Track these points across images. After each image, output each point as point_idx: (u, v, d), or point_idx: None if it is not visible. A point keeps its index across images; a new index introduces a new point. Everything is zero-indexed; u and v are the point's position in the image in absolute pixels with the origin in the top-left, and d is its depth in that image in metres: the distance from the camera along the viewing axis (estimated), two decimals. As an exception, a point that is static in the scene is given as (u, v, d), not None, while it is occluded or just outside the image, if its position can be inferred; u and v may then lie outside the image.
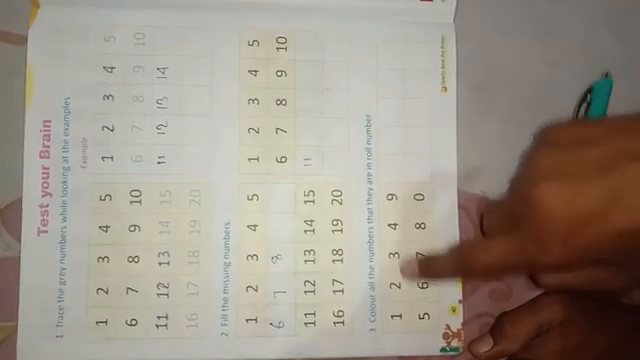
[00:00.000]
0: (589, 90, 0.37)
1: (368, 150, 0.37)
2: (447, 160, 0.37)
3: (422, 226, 0.37)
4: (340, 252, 0.36)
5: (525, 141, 0.38)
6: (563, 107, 0.38)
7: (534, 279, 0.33)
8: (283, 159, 0.36)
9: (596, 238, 0.27)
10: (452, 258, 0.34)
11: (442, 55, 0.38)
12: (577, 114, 0.37)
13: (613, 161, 0.27)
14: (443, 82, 0.38)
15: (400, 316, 0.36)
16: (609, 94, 0.36)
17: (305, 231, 0.36)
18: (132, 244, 0.35)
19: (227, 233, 0.35)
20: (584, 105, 0.37)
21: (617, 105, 0.38)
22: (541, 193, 0.28)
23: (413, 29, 0.37)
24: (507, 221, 0.31)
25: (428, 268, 0.35)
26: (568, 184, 0.28)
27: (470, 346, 0.36)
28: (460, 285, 0.36)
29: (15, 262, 0.34)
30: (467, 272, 0.33)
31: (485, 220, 0.35)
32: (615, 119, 0.29)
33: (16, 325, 0.34)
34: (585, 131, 0.29)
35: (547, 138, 0.30)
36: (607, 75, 0.37)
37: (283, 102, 0.37)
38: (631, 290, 0.31)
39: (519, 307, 0.36)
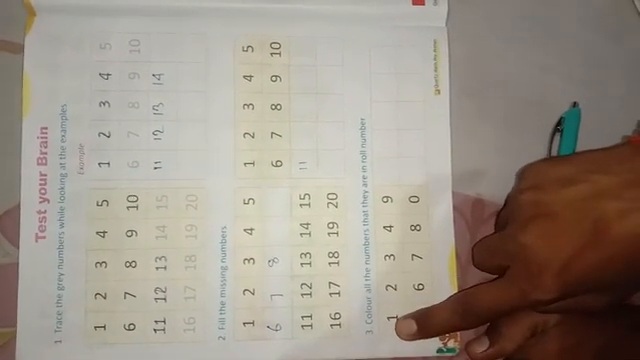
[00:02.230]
0: (560, 121, 0.38)
1: (363, 153, 0.37)
2: (441, 162, 0.37)
3: (417, 228, 0.37)
4: (336, 255, 0.36)
5: (518, 143, 0.38)
6: (555, 110, 0.38)
7: None
8: (278, 163, 0.36)
9: (584, 272, 0.30)
10: (451, 306, 0.34)
11: (435, 59, 0.38)
12: (551, 143, 0.38)
13: (591, 200, 0.30)
14: (436, 85, 0.38)
15: (396, 318, 0.36)
16: (578, 122, 0.38)
17: (301, 234, 0.36)
18: (129, 249, 0.35)
19: (223, 237, 0.36)
20: (557, 134, 0.38)
21: (616, 106, 0.39)
22: (528, 236, 0.31)
23: (406, 33, 0.38)
24: (499, 260, 0.33)
25: (426, 323, 0.35)
26: (552, 225, 0.30)
27: (466, 347, 0.36)
28: (456, 286, 0.37)
29: (13, 268, 0.34)
30: (468, 318, 0.34)
31: (476, 256, 0.36)
32: (591, 155, 0.32)
33: (15, 331, 0.34)
34: (563, 170, 0.32)
35: (528, 179, 0.33)
36: (575, 105, 0.38)
37: (278, 107, 0.37)
38: (616, 307, 0.34)
39: (515, 308, 0.37)
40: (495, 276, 0.34)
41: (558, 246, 0.30)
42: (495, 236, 0.35)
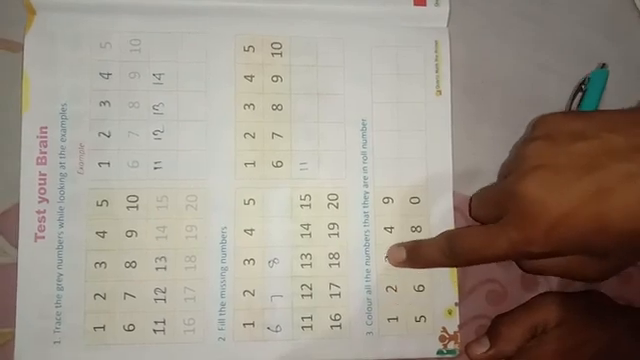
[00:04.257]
0: (584, 80, 0.37)
1: (364, 154, 0.37)
2: (442, 163, 0.37)
3: (418, 229, 0.37)
4: (337, 256, 0.36)
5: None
6: (556, 110, 0.38)
7: (517, 262, 0.35)
8: (279, 164, 0.36)
9: (577, 232, 0.28)
10: (439, 244, 0.34)
11: (436, 59, 0.38)
12: (571, 103, 0.37)
13: (600, 158, 0.28)
14: (437, 86, 0.38)
15: (397, 319, 0.36)
16: (604, 85, 0.37)
17: (302, 235, 0.36)
18: (129, 249, 0.35)
19: (224, 238, 0.36)
20: (579, 95, 0.37)
21: (616, 107, 0.38)
22: (527, 185, 0.29)
23: (407, 34, 0.38)
24: (494, 208, 0.32)
25: (415, 254, 0.35)
26: (554, 178, 0.29)
27: (467, 348, 0.36)
28: (456, 288, 0.37)
29: (12, 268, 0.34)
30: (453, 258, 0.33)
31: (473, 206, 0.36)
32: (607, 114, 0.30)
33: (14, 331, 0.34)
34: (577, 125, 0.30)
35: (540, 128, 0.31)
36: (604, 66, 0.37)
37: (279, 107, 0.37)
38: (607, 279, 0.33)
39: (515, 309, 0.36)
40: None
41: (556, 199, 0.28)
42: (493, 185, 0.35)
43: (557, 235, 0.29)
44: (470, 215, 0.36)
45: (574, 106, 0.38)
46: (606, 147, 0.28)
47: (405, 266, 0.36)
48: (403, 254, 0.35)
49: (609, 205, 0.28)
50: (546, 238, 0.29)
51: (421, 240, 0.36)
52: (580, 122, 0.30)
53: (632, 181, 0.27)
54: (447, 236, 0.34)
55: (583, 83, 0.37)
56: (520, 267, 0.36)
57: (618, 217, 0.28)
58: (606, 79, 0.37)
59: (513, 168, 0.31)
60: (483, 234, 0.32)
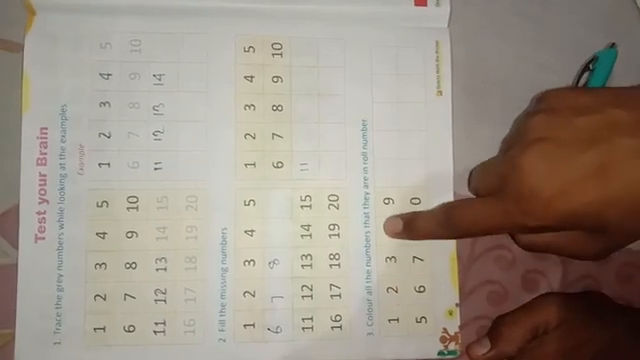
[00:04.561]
0: (593, 59, 0.37)
1: (364, 154, 0.37)
2: (443, 164, 0.37)
3: (419, 230, 0.37)
4: (337, 257, 0.36)
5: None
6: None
7: (513, 237, 0.34)
8: (279, 164, 0.36)
9: (576, 206, 0.28)
10: (436, 216, 0.34)
11: (437, 60, 0.38)
12: (578, 81, 0.37)
13: (603, 132, 0.28)
14: (438, 86, 0.38)
15: (397, 320, 0.36)
16: (612, 65, 0.36)
17: (302, 236, 0.36)
18: (129, 250, 0.35)
19: (224, 238, 0.35)
20: (586, 73, 0.37)
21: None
22: (528, 158, 0.29)
23: (407, 34, 0.38)
24: (493, 181, 0.31)
25: (412, 225, 0.35)
26: (556, 151, 0.28)
27: (468, 349, 0.36)
28: (457, 288, 0.37)
29: (12, 269, 0.34)
30: (450, 229, 0.33)
31: (472, 178, 0.36)
32: (613, 90, 0.30)
33: (14, 332, 0.34)
34: (581, 99, 0.30)
35: (544, 102, 0.31)
36: (613, 46, 0.37)
37: (279, 108, 0.37)
38: (603, 258, 0.32)
39: (516, 309, 0.36)
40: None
41: (556, 172, 0.28)
42: (496, 157, 0.34)
43: (556, 209, 0.28)
44: (469, 188, 0.36)
45: (580, 84, 0.37)
46: (610, 121, 0.28)
47: (401, 237, 0.35)
48: (400, 225, 0.35)
49: (612, 180, 0.27)
50: (545, 211, 0.28)
51: (419, 212, 0.36)
52: (585, 97, 0.30)
53: (636, 156, 0.27)
54: (444, 208, 0.34)
55: (591, 62, 0.37)
56: (516, 242, 0.34)
57: (621, 192, 0.27)
58: (615, 59, 0.36)
59: (514, 141, 0.31)
60: (480, 205, 0.32)
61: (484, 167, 0.35)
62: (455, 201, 0.34)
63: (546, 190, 0.28)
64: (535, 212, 0.29)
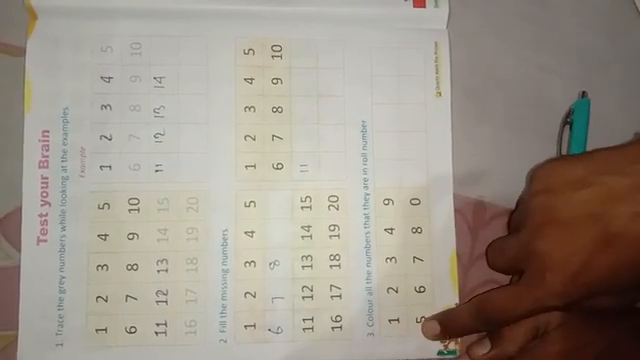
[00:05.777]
0: (569, 112, 0.38)
1: (364, 155, 0.37)
2: (443, 165, 0.37)
3: (419, 230, 0.37)
4: (337, 257, 0.36)
5: (520, 145, 0.38)
6: (557, 111, 0.38)
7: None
8: (279, 166, 0.36)
9: (596, 277, 0.30)
10: (469, 311, 0.35)
11: (436, 61, 0.38)
12: (561, 138, 0.38)
13: (605, 205, 0.30)
14: (437, 87, 0.38)
15: (398, 320, 0.36)
16: (588, 113, 0.37)
17: (302, 237, 0.36)
18: (131, 252, 0.35)
19: (225, 240, 0.36)
20: (567, 127, 0.38)
21: (616, 107, 0.39)
22: (540, 244, 0.31)
23: (407, 35, 0.38)
24: (512, 262, 0.34)
25: (448, 325, 0.36)
26: (564, 232, 0.30)
27: (468, 349, 0.36)
28: (457, 288, 0.37)
29: (15, 271, 0.34)
30: (484, 323, 0.34)
31: (490, 258, 0.37)
32: (605, 154, 0.31)
33: (16, 334, 0.34)
34: (575, 171, 0.31)
35: (539, 181, 0.32)
36: (584, 95, 0.38)
37: (279, 109, 0.37)
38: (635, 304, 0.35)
39: (516, 310, 0.37)
40: (502, 275, 0.35)
41: (570, 252, 0.30)
42: (509, 239, 0.35)
43: (578, 284, 0.30)
44: (488, 265, 0.37)
45: (564, 142, 0.38)
46: (609, 192, 0.30)
47: (441, 338, 0.36)
48: (437, 327, 0.36)
49: (620, 247, 0.29)
50: (569, 290, 0.30)
51: (450, 310, 0.36)
52: (578, 168, 0.31)
53: (637, 221, 0.29)
54: (475, 302, 0.35)
55: (568, 116, 0.38)
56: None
57: (631, 256, 0.29)
58: (589, 107, 0.37)
59: (522, 223, 0.33)
60: (510, 296, 0.33)
61: (502, 249, 0.36)
62: (484, 294, 0.35)
63: (566, 272, 0.30)
64: (560, 293, 0.31)
